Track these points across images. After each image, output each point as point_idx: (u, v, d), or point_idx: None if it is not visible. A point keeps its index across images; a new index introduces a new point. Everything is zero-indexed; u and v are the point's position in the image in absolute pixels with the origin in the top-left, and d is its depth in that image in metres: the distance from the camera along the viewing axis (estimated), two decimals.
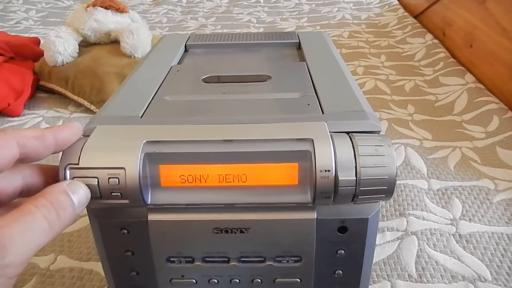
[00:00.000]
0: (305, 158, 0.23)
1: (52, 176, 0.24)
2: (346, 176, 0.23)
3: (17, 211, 0.19)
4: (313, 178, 0.23)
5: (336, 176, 0.23)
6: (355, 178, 0.23)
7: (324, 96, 0.29)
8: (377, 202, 0.25)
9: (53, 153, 0.23)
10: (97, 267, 0.43)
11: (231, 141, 0.24)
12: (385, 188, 0.23)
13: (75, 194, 0.22)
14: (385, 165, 0.23)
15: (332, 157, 0.23)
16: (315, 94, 0.30)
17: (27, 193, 0.23)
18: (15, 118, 0.72)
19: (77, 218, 0.50)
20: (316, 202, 0.24)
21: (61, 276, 0.42)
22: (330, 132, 0.24)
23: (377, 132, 0.25)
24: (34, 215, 0.19)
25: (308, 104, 0.28)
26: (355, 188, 0.23)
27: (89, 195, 0.23)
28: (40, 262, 0.44)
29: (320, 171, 0.23)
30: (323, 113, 0.27)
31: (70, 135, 0.23)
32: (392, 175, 0.23)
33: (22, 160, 0.22)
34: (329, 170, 0.23)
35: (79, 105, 0.75)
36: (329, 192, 0.23)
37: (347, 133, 0.25)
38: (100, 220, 0.26)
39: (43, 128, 0.24)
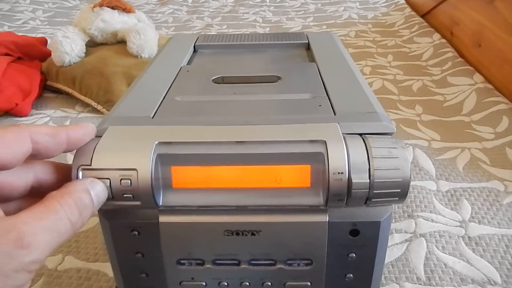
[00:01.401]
0: (317, 160, 0.23)
1: (64, 174, 0.24)
2: (360, 178, 0.22)
3: (42, 206, 0.19)
4: (326, 180, 0.23)
5: (349, 179, 0.22)
6: (369, 181, 0.22)
7: (336, 97, 0.29)
8: (390, 205, 0.25)
9: (64, 152, 0.23)
10: (105, 267, 0.43)
11: (243, 142, 0.24)
12: (398, 191, 0.23)
13: (95, 193, 0.22)
14: (399, 168, 0.22)
15: (346, 159, 0.22)
16: (326, 95, 0.30)
17: (38, 189, 0.23)
18: (23, 118, 0.72)
19: None
20: (328, 205, 0.23)
21: (69, 276, 0.42)
22: (342, 133, 0.24)
23: (390, 134, 0.25)
24: (59, 214, 0.19)
25: (320, 105, 0.28)
26: (369, 190, 0.23)
27: (107, 194, 0.23)
28: (48, 263, 0.44)
29: (333, 173, 0.22)
30: (335, 114, 0.27)
31: (83, 135, 0.23)
32: (406, 177, 0.23)
33: (34, 156, 0.22)
34: (342, 173, 0.22)
35: (86, 105, 0.76)
36: (342, 194, 0.23)
37: (360, 134, 0.24)
38: (111, 221, 0.26)
39: (57, 126, 0.24)
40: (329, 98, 0.29)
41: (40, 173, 0.23)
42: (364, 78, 0.33)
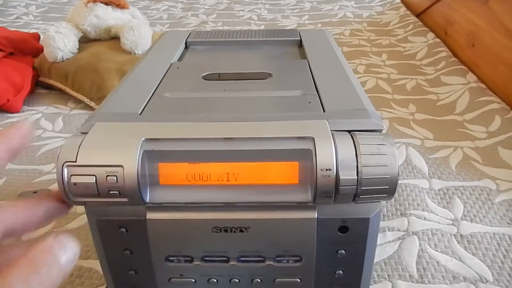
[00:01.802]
0: (305, 156, 0.23)
1: (32, 212, 0.23)
2: (348, 175, 0.22)
3: None
4: (314, 177, 0.22)
5: (337, 175, 0.22)
6: (357, 178, 0.22)
7: (326, 94, 0.29)
8: (378, 202, 0.25)
9: (11, 160, 0.22)
10: (96, 265, 0.42)
11: (231, 139, 0.24)
12: (386, 188, 0.23)
13: (61, 251, 0.19)
14: (387, 165, 0.22)
15: (333, 155, 0.22)
16: (316, 92, 0.30)
17: (11, 234, 0.22)
18: (15, 114, 0.72)
19: (75, 216, 0.50)
20: (316, 202, 0.23)
21: None
22: (331, 130, 0.24)
23: (379, 131, 0.25)
24: (12, 277, 0.18)
25: (309, 102, 0.28)
26: (357, 187, 0.22)
27: (78, 251, 0.20)
28: None
29: (321, 170, 0.22)
30: (324, 111, 0.27)
31: (22, 139, 0.22)
32: (394, 174, 0.22)
33: None
34: (330, 169, 0.22)
35: (79, 101, 0.75)
36: (330, 191, 0.23)
37: (349, 131, 0.24)
38: (98, 218, 0.26)
39: None
40: (319, 95, 0.29)
41: (6, 221, 0.22)
42: (355, 76, 0.33)
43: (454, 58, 0.86)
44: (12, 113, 0.72)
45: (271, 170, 0.24)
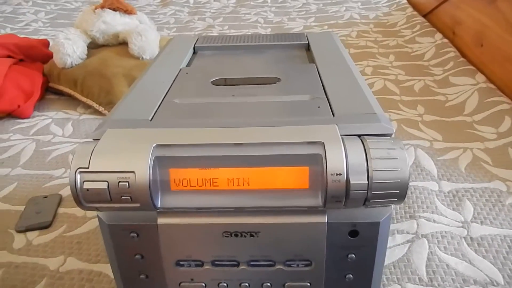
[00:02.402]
0: (316, 161, 0.23)
1: None
2: (358, 180, 0.22)
3: None
4: (324, 181, 0.23)
5: (347, 180, 0.22)
6: (367, 182, 0.22)
7: (335, 99, 0.29)
8: (388, 206, 0.25)
9: None
10: (106, 269, 0.43)
11: (241, 144, 0.24)
12: (397, 192, 0.23)
13: None
14: (398, 169, 0.22)
15: (344, 160, 0.22)
16: (325, 97, 0.30)
17: None
18: (25, 120, 0.73)
19: (85, 220, 0.50)
20: (327, 206, 0.23)
21: (71, 278, 0.42)
22: (341, 135, 0.24)
23: (389, 135, 0.25)
24: None
25: (319, 107, 0.28)
26: (367, 192, 0.22)
27: None
28: (49, 264, 0.44)
29: (331, 174, 0.22)
30: (333, 115, 0.27)
31: None
32: (405, 178, 0.22)
33: None
34: (340, 174, 0.22)
35: (88, 106, 0.76)
36: (341, 196, 0.23)
37: (359, 136, 0.24)
38: (110, 224, 0.26)
39: None
40: (328, 100, 0.29)
41: None
42: (364, 79, 0.33)
43: (462, 59, 0.85)
44: (23, 118, 0.73)
45: (281, 175, 0.24)
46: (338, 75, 0.33)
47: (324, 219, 0.25)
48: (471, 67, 0.81)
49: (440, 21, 1.04)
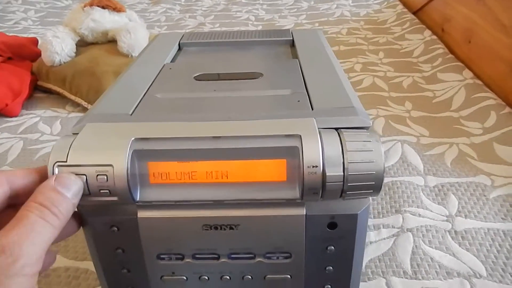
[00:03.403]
0: (293, 154, 0.23)
1: (38, 177, 0.25)
2: (334, 171, 0.23)
3: (14, 219, 0.21)
4: (301, 174, 0.23)
5: (323, 172, 0.23)
6: (343, 174, 0.23)
7: (315, 93, 0.29)
8: (366, 198, 0.25)
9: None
10: (93, 266, 0.43)
11: (219, 137, 0.24)
12: (372, 184, 0.23)
13: (66, 187, 0.22)
14: (373, 161, 0.23)
15: (320, 153, 0.23)
16: (305, 91, 0.30)
17: (15, 198, 0.24)
18: (13, 118, 0.72)
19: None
20: (304, 198, 0.24)
21: (57, 275, 0.42)
22: (318, 128, 0.24)
23: (366, 128, 0.25)
24: (30, 219, 0.21)
25: (298, 101, 0.28)
26: (343, 183, 0.23)
27: (81, 184, 0.23)
28: None
29: (308, 166, 0.23)
30: (312, 109, 0.27)
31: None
32: (380, 170, 0.23)
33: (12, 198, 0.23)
34: (316, 166, 0.23)
35: (76, 104, 0.76)
36: (317, 188, 0.23)
37: (336, 129, 0.24)
38: (90, 218, 0.26)
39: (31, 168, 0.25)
40: (308, 94, 0.29)
41: (13, 182, 0.24)
42: (345, 74, 0.33)
43: (450, 55, 0.86)
44: (11, 117, 0.73)
45: (259, 167, 0.24)
46: (319, 71, 0.33)
47: (302, 211, 0.25)
48: (459, 63, 0.82)
49: (430, 18, 1.05)
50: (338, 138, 0.24)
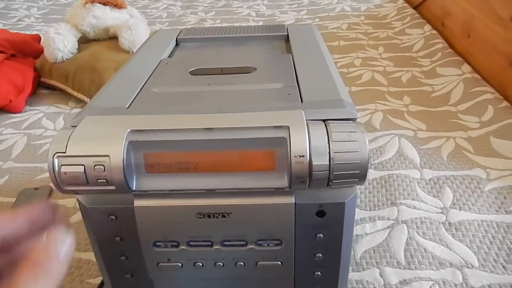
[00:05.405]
0: (281, 144, 0.24)
1: (27, 218, 0.24)
2: (320, 161, 0.23)
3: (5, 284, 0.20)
4: (289, 163, 0.24)
5: (310, 161, 0.24)
6: (329, 163, 0.23)
7: (305, 86, 0.30)
8: (352, 186, 0.26)
9: (31, 231, 0.23)
10: (94, 257, 0.44)
11: (211, 129, 0.25)
12: (357, 173, 0.24)
13: (59, 246, 0.21)
14: (358, 150, 0.24)
15: (307, 143, 0.24)
16: (296, 85, 0.31)
17: (4, 243, 0.23)
18: (17, 114, 0.74)
19: (76, 211, 0.51)
20: (293, 187, 0.25)
21: None
22: (306, 120, 0.25)
23: (353, 120, 0.26)
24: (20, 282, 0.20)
25: (289, 94, 0.29)
26: (329, 172, 0.24)
27: (72, 242, 0.22)
28: None
29: (295, 156, 0.23)
30: (302, 102, 0.28)
31: (42, 211, 0.24)
32: (364, 160, 0.24)
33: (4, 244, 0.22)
34: (303, 156, 0.23)
35: (79, 100, 0.77)
36: (304, 176, 0.24)
37: (324, 120, 0.25)
38: (89, 207, 0.27)
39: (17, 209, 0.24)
40: (298, 87, 0.30)
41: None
42: (336, 68, 0.34)
43: (450, 50, 0.86)
44: (15, 113, 0.74)
45: (249, 158, 0.25)
46: (311, 65, 0.34)
47: (291, 200, 0.26)
48: (458, 58, 0.82)
49: (430, 12, 1.05)
50: (325, 129, 0.24)
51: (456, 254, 0.43)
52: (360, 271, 0.42)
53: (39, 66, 0.81)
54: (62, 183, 0.25)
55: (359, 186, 0.28)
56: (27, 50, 0.83)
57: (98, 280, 0.42)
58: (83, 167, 0.24)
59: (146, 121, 0.26)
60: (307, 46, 0.39)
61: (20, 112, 0.74)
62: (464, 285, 0.39)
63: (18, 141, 0.67)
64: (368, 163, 0.24)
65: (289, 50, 0.40)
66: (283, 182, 0.25)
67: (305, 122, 0.25)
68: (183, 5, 1.38)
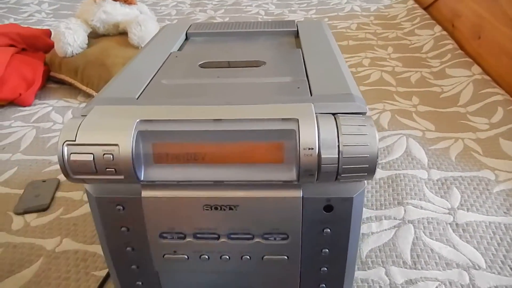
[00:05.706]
0: (290, 137, 0.24)
1: None
2: (329, 154, 0.23)
3: None
4: (297, 156, 0.24)
5: (319, 154, 0.23)
6: (337, 156, 0.23)
7: (315, 80, 0.30)
8: (360, 181, 0.26)
9: None
10: (101, 250, 0.44)
11: (220, 120, 0.25)
12: (366, 167, 0.24)
13: None
14: (367, 144, 0.23)
15: (316, 135, 0.23)
16: (306, 79, 0.31)
17: None
18: (26, 108, 0.75)
19: (82, 204, 0.52)
20: (301, 180, 0.24)
21: (66, 257, 0.44)
22: (316, 113, 0.25)
23: (363, 114, 0.26)
24: None
25: (298, 88, 0.29)
26: (338, 165, 0.23)
27: None
28: (46, 245, 0.46)
29: (304, 149, 0.23)
30: (311, 95, 0.28)
31: None
32: (374, 154, 0.23)
33: None
34: (312, 148, 0.23)
35: (88, 95, 0.77)
36: (313, 169, 0.24)
37: (333, 114, 0.25)
38: (96, 197, 0.27)
39: None
40: (308, 81, 0.30)
41: None
42: (346, 64, 0.33)
43: (460, 51, 0.85)
44: (24, 106, 0.75)
45: (258, 150, 0.25)
46: (321, 59, 0.34)
47: (299, 193, 0.26)
48: (468, 59, 0.81)
49: (440, 13, 1.04)
50: (334, 122, 0.24)
51: (463, 255, 0.42)
52: (365, 270, 0.42)
53: (49, 60, 0.82)
54: (71, 172, 0.25)
55: (366, 184, 0.27)
56: (38, 44, 0.84)
57: (104, 272, 0.42)
58: (92, 155, 0.24)
59: (155, 111, 0.26)
60: (317, 41, 0.39)
61: (29, 105, 0.75)
62: (471, 286, 0.39)
63: (27, 134, 0.67)
64: (377, 157, 0.23)
65: (298, 45, 0.40)
66: (291, 175, 0.25)
67: (314, 115, 0.25)
68: (192, 2, 1.38)
